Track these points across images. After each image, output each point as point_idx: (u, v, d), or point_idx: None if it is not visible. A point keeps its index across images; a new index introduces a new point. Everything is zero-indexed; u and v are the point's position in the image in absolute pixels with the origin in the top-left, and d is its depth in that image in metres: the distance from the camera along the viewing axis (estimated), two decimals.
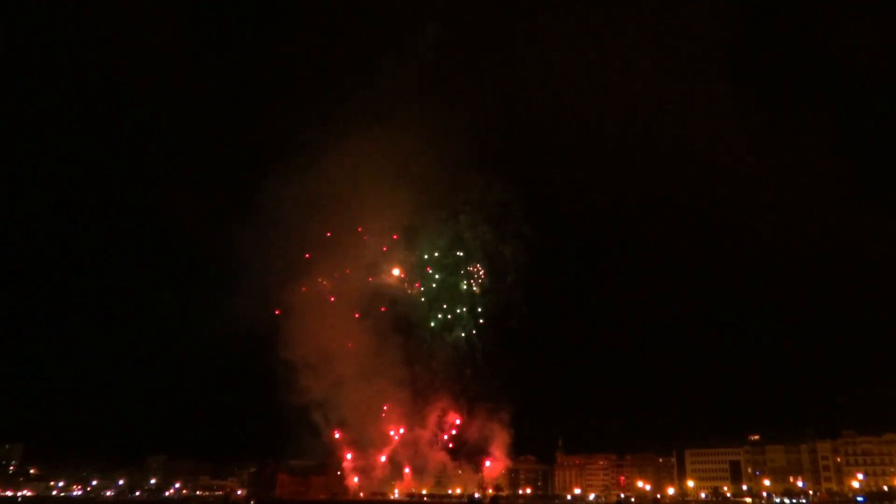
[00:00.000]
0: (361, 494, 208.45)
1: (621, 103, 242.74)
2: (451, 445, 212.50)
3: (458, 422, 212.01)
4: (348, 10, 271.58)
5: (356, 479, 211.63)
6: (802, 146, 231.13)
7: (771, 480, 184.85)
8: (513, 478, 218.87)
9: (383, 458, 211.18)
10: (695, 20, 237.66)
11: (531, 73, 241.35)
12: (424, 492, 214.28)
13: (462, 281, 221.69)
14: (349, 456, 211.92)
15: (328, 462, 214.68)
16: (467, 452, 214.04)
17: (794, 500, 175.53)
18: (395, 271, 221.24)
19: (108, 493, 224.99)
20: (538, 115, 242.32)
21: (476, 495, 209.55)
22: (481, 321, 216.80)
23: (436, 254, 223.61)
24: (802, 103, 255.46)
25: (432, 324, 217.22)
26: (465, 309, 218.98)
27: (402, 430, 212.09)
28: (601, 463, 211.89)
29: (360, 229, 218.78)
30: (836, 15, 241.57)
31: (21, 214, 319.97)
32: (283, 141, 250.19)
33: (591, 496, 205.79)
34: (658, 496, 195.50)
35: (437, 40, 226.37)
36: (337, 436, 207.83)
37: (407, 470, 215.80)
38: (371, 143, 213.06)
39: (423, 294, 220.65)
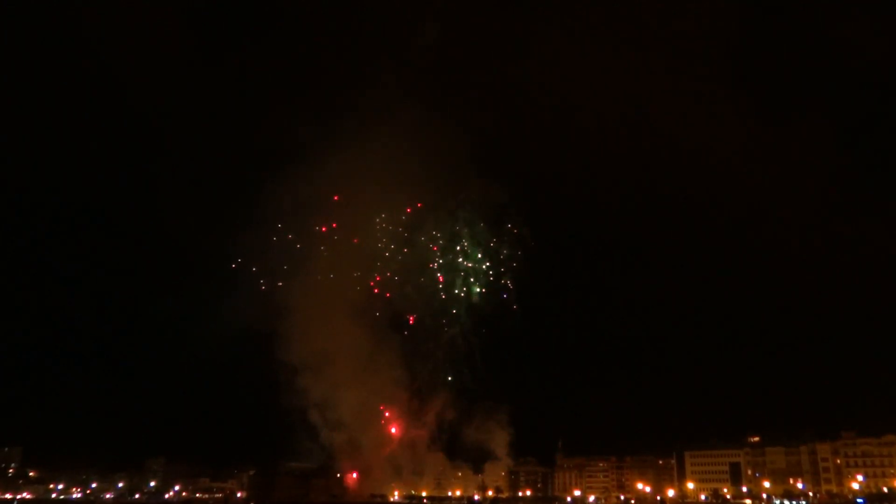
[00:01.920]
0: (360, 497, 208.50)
1: (621, 104, 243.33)
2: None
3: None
4: (348, 11, 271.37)
5: (355, 481, 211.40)
6: (803, 147, 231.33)
7: (771, 482, 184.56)
8: (513, 480, 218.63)
9: (382, 460, 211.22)
10: (695, 21, 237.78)
11: (530, 73, 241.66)
12: (424, 494, 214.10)
13: (459, 280, 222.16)
14: (348, 458, 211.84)
15: (328, 464, 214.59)
16: (466, 454, 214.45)
17: (794, 502, 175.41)
18: (394, 269, 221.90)
19: (108, 496, 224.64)
20: (537, 115, 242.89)
21: (476, 497, 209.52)
22: (479, 320, 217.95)
23: (433, 252, 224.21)
24: (803, 104, 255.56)
25: (429, 322, 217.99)
26: (461, 308, 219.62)
27: (400, 431, 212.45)
28: (601, 465, 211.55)
29: (357, 229, 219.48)
30: (836, 16, 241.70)
31: (20, 216, 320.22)
32: (282, 141, 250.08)
33: (591, 498, 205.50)
34: (658, 498, 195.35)
35: (437, 40, 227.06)
36: (336, 438, 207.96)
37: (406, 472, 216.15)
38: (369, 143, 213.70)
39: (420, 293, 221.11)
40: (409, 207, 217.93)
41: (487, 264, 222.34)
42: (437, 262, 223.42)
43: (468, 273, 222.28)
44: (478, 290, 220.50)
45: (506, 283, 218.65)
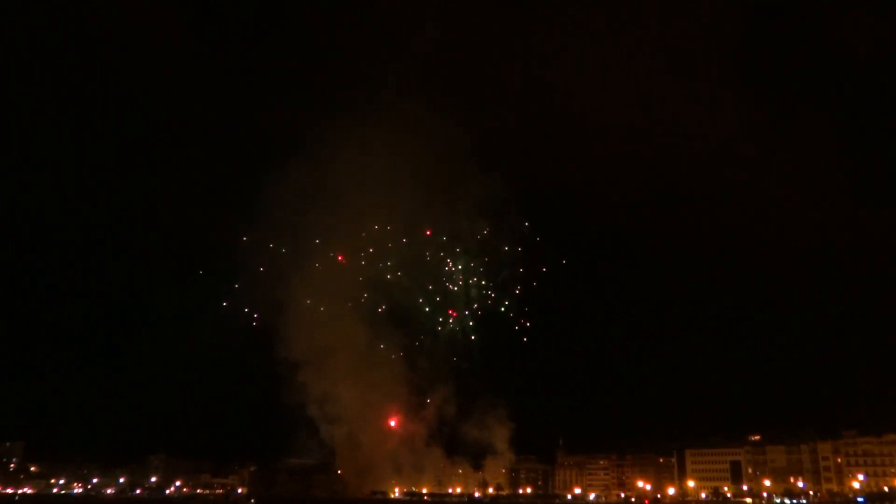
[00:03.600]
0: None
1: (623, 102, 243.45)
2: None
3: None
4: (348, 10, 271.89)
5: (356, 478, 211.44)
6: (804, 145, 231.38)
7: (771, 481, 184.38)
8: (513, 477, 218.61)
9: (383, 456, 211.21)
10: (697, 19, 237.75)
11: (533, 71, 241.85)
12: (424, 491, 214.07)
13: (459, 275, 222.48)
14: (349, 454, 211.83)
15: (328, 461, 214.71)
16: (466, 450, 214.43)
17: (795, 501, 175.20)
18: (394, 265, 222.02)
19: (109, 492, 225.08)
20: (539, 112, 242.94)
21: (476, 494, 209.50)
22: (479, 316, 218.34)
23: (434, 248, 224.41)
24: (805, 102, 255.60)
25: (427, 318, 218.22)
26: (461, 305, 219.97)
27: (400, 428, 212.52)
28: (602, 463, 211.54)
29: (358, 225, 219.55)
30: (837, 14, 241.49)
31: (22, 213, 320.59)
32: (284, 138, 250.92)
33: (592, 496, 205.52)
34: (658, 496, 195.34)
35: (438, 39, 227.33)
36: (336, 434, 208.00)
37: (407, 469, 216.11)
38: (371, 139, 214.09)
39: (420, 288, 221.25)
40: (411, 201, 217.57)
41: (483, 258, 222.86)
42: (438, 256, 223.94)
43: (468, 269, 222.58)
44: (478, 286, 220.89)
45: (505, 279, 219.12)
